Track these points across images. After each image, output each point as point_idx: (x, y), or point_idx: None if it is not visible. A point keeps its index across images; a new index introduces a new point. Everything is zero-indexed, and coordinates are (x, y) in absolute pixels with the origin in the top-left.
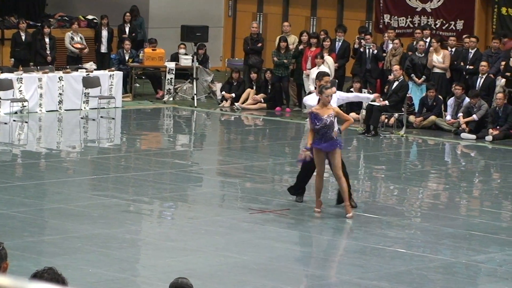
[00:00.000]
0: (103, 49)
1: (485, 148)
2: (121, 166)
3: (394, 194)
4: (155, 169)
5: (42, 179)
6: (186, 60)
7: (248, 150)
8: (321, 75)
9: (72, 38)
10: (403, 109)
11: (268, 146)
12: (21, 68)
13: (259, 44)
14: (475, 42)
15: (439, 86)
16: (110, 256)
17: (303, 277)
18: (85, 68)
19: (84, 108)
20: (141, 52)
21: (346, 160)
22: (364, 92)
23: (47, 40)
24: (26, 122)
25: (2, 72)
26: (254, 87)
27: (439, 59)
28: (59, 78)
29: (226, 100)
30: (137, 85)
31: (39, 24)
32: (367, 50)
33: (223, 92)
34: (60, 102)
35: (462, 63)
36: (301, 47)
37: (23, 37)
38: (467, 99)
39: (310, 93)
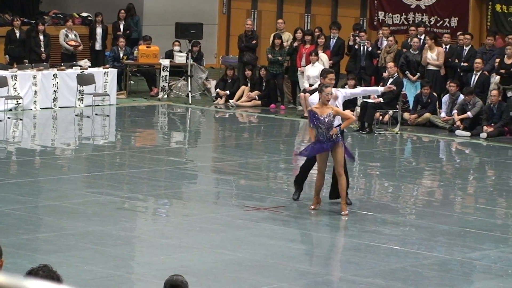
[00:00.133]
0: (98, 46)
1: (480, 145)
2: (116, 163)
3: (388, 191)
4: (150, 166)
5: (37, 176)
6: (180, 57)
7: (242, 147)
8: (325, 73)
9: (67, 36)
10: (397, 106)
11: (263, 143)
12: (15, 66)
13: (254, 41)
14: (470, 39)
15: (433, 83)
16: (104, 253)
17: (298, 274)
18: (80, 66)
19: (79, 105)
20: (136, 49)
21: None
22: None
23: (41, 37)
24: (20, 119)
25: None
26: (249, 84)
27: (433, 56)
28: (53, 75)
29: (221, 97)
30: (132, 82)
31: (33, 22)
32: (361, 47)
33: (218, 89)
34: (55, 99)
35: (456, 60)
36: (295, 44)
37: (18, 35)
38: (461, 96)
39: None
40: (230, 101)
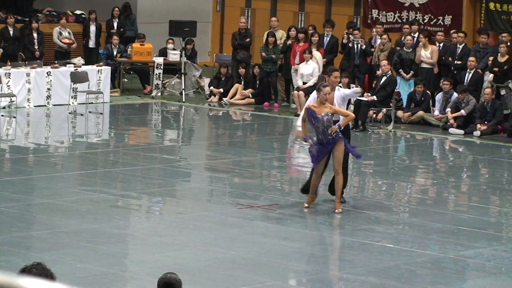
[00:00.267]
0: (91, 44)
1: (473, 143)
2: (109, 161)
3: (382, 189)
4: (143, 164)
5: (30, 174)
6: (174, 55)
7: (236, 145)
8: (330, 70)
9: (60, 33)
10: (391, 104)
11: (256, 141)
12: (9, 63)
13: (247, 39)
14: (463, 37)
15: (427, 81)
16: (98, 251)
17: (291, 272)
18: (73, 63)
19: (72, 103)
20: (129, 47)
21: None
22: (352, 87)
23: (35, 35)
24: (14, 117)
25: None
26: (242, 82)
27: (427, 54)
28: (47, 73)
29: (214, 95)
30: (125, 80)
31: (27, 19)
32: (355, 45)
33: (211, 87)
34: (48, 97)
35: (450, 58)
36: (289, 42)
37: (11, 32)
38: (455, 94)
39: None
40: (224, 99)
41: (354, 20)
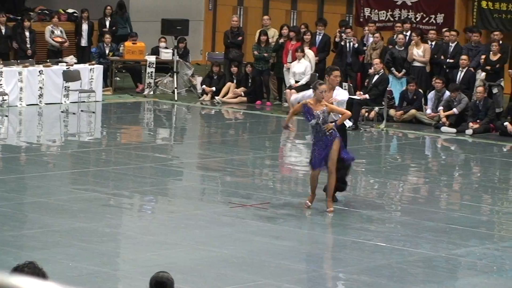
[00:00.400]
0: (84, 42)
1: (465, 141)
2: (102, 160)
3: (374, 188)
4: (136, 163)
5: (22, 173)
6: (166, 54)
7: (228, 144)
8: (330, 70)
9: (53, 32)
10: (383, 102)
11: (249, 140)
12: (1, 62)
13: (240, 38)
14: (455, 36)
15: (419, 79)
16: (90, 250)
17: (283, 271)
18: (66, 62)
19: (65, 102)
20: (121, 45)
21: None
22: (344, 87)
23: (27, 33)
24: (6, 116)
25: None
26: (235, 81)
27: (419, 52)
28: (39, 71)
29: (207, 94)
30: (118, 78)
31: (19, 18)
32: (347, 44)
33: (204, 86)
34: (41, 95)
35: (442, 57)
36: (281, 40)
37: (3, 31)
38: (447, 93)
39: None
40: (216, 97)
41: (346, 18)
